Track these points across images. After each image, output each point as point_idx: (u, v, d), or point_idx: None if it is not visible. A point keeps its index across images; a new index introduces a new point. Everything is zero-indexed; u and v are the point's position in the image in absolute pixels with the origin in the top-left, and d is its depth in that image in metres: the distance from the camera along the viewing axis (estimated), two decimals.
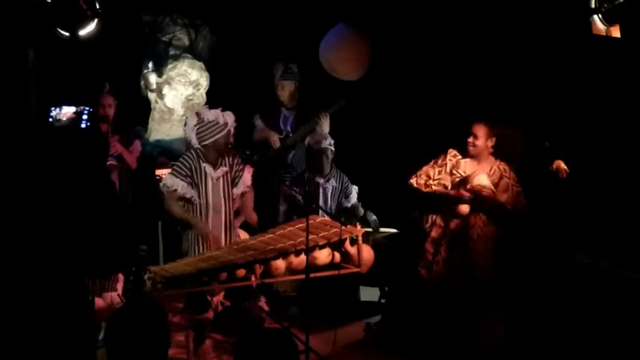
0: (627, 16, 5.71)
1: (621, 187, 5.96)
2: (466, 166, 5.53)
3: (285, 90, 6.90)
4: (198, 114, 5.34)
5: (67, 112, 6.50)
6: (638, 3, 5.65)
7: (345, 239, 5.23)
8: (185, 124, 5.41)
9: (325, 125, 6.65)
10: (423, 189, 5.55)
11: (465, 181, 5.46)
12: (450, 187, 5.51)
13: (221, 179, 5.37)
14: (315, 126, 6.66)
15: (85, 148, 5.99)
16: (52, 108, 6.52)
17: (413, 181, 5.61)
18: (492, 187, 5.39)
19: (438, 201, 5.52)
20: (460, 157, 5.57)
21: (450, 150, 5.60)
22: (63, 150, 5.90)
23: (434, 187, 5.55)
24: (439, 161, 5.62)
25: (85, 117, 6.55)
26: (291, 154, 6.88)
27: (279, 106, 6.93)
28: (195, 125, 5.29)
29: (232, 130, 5.33)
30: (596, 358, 5.06)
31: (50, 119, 6.38)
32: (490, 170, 5.50)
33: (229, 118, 5.32)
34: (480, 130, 5.48)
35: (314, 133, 6.58)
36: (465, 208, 5.39)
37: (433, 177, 5.57)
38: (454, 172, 5.54)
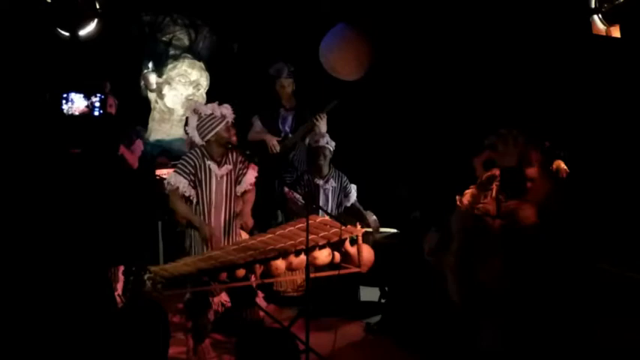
0: (627, 16, 5.72)
1: (621, 187, 5.96)
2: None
3: (288, 89, 6.91)
4: (195, 110, 5.35)
5: (80, 106, 6.52)
6: (638, 3, 5.66)
7: (345, 239, 5.22)
8: (186, 124, 5.42)
9: (322, 125, 6.66)
10: (469, 211, 5.45)
11: (511, 213, 5.36)
12: (492, 213, 5.45)
13: (225, 177, 5.37)
14: (312, 126, 6.66)
15: (100, 136, 6.03)
16: (64, 102, 6.54)
17: (458, 200, 5.47)
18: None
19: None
20: None
21: (497, 171, 5.46)
22: (79, 141, 5.93)
23: (476, 212, 5.47)
24: (485, 184, 5.48)
25: (97, 105, 6.58)
26: (292, 155, 6.88)
27: (278, 107, 6.93)
28: (196, 122, 5.30)
29: (231, 121, 5.33)
30: (596, 358, 5.06)
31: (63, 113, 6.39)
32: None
33: (226, 110, 5.32)
34: (536, 157, 5.16)
35: (313, 133, 6.59)
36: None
37: (479, 201, 5.45)
38: (501, 197, 5.44)
